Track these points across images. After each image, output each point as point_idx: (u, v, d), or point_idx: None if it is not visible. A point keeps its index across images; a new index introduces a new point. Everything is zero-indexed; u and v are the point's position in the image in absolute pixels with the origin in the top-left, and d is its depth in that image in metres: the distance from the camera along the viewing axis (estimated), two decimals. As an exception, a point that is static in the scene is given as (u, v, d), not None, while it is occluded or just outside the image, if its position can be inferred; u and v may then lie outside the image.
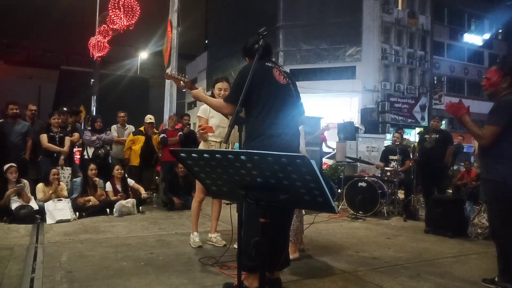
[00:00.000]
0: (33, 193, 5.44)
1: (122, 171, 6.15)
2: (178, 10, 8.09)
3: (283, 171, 1.49)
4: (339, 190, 7.60)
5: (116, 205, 5.56)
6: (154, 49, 27.83)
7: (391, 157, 6.82)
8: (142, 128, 7.12)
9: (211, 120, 3.83)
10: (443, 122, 22.64)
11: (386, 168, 6.70)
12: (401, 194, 7.10)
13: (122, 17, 11.09)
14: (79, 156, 7.09)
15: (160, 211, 6.14)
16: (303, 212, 4.30)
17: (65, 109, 6.59)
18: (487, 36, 28.15)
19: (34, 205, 5.18)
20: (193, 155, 1.71)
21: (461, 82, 27.42)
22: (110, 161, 7.05)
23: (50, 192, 5.39)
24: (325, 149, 9.87)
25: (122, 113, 7.44)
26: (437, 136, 6.44)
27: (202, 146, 3.91)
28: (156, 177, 7.80)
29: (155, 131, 7.36)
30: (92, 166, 5.90)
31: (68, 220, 5.04)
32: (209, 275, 3.06)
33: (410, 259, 3.77)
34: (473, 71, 27.67)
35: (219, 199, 4.06)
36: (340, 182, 7.65)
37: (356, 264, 3.52)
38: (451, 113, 2.99)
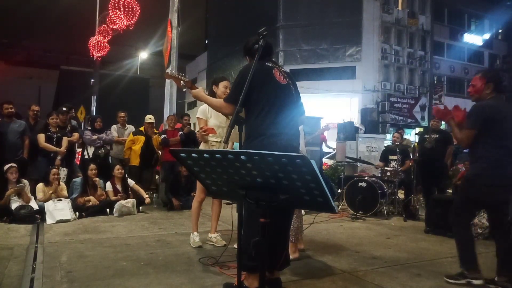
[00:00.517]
0: (33, 193, 5.44)
1: (123, 171, 6.15)
2: (178, 10, 8.10)
3: (283, 171, 1.49)
4: (339, 190, 7.59)
5: (116, 205, 5.57)
6: (154, 49, 27.82)
7: (391, 157, 6.82)
8: (142, 128, 7.11)
9: (210, 120, 3.82)
10: (443, 122, 22.57)
11: (386, 168, 6.71)
12: (401, 194, 7.10)
13: (122, 17, 11.11)
14: (80, 157, 7.09)
15: (160, 211, 6.15)
16: (303, 212, 4.31)
17: (64, 108, 6.56)
18: (487, 36, 28.11)
19: (34, 205, 5.18)
20: (193, 155, 1.71)
21: (461, 82, 27.35)
22: (110, 161, 7.05)
23: (50, 192, 5.39)
24: (325, 149, 9.87)
25: (122, 113, 7.45)
26: (437, 136, 6.44)
27: (202, 146, 3.91)
28: (156, 177, 7.80)
29: (155, 131, 7.36)
30: (92, 166, 5.90)
31: (68, 220, 5.04)
32: (209, 275, 3.06)
33: (410, 259, 3.78)
34: (473, 71, 27.40)
35: (219, 199, 4.06)
36: (340, 182, 7.64)
37: (356, 264, 3.52)
38: (438, 117, 3.29)
